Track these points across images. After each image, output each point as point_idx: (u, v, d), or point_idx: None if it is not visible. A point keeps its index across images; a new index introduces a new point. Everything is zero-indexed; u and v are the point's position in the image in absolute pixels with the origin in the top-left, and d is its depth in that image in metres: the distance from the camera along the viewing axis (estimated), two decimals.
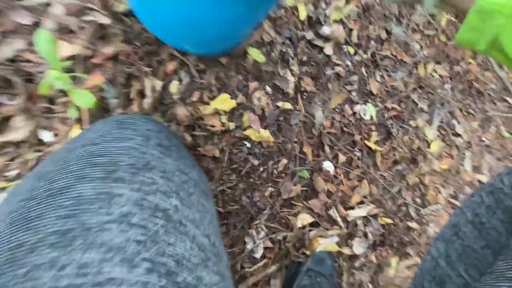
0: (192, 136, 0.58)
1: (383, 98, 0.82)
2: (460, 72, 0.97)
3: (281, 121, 0.67)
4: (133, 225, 0.20)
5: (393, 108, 0.82)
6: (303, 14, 0.72)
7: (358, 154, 0.76)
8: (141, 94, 0.54)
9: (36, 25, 0.47)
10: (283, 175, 0.66)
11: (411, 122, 0.85)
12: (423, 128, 0.86)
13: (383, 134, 0.80)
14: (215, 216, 0.32)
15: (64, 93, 0.47)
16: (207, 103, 0.59)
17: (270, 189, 0.64)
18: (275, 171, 0.65)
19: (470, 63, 1.00)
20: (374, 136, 0.78)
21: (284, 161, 0.66)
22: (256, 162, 0.63)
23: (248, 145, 0.63)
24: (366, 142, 0.77)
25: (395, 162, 0.81)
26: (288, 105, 0.67)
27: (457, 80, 0.97)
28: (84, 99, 0.42)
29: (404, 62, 0.87)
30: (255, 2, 0.48)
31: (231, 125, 0.61)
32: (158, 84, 0.54)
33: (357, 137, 0.76)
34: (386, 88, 0.83)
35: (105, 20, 0.51)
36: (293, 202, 0.67)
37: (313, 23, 0.74)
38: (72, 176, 0.22)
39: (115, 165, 0.23)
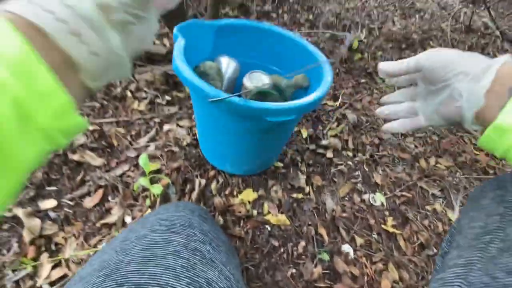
0: (224, 220, 0.65)
1: (390, 188, 0.81)
2: (467, 162, 0.92)
3: (296, 207, 0.71)
4: (181, 257, 0.28)
5: (402, 195, 0.79)
6: (305, 134, 0.87)
7: (376, 237, 0.69)
8: (191, 190, 0.68)
9: (137, 156, 0.71)
10: (303, 256, 0.64)
11: (428, 207, 0.78)
12: (444, 211, 0.77)
13: (399, 219, 0.74)
14: (239, 268, 0.39)
15: (145, 190, 0.64)
16: (236, 196, 0.70)
17: (291, 270, 0.61)
18: (295, 253, 0.64)
19: (476, 154, 0.96)
20: (390, 220, 0.73)
21: (303, 243, 0.65)
22: (276, 243, 0.64)
23: (269, 228, 0.66)
24: (383, 226, 0.72)
25: (423, 246, 0.70)
26: (300, 195, 0.73)
27: (469, 169, 0.91)
28: (156, 189, 0.58)
29: (403, 158, 0.89)
30: (285, 137, 0.67)
31: (254, 212, 0.68)
32: (203, 182, 0.69)
33: (372, 221, 0.72)
34: (390, 179, 0.83)
35: (175, 149, 0.73)
36: (316, 285, 0.60)
37: (314, 139, 0.88)
38: (148, 230, 0.33)
39: (173, 224, 0.34)
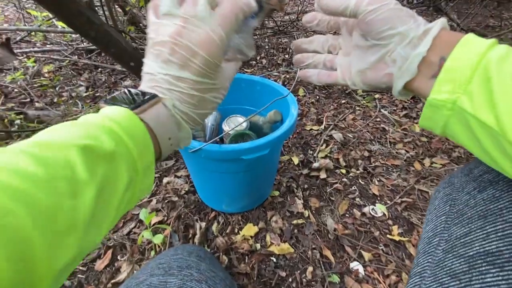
0: (229, 259, 0.67)
1: (389, 196, 0.81)
2: (462, 155, 0.92)
3: (297, 233, 0.71)
4: None
5: (403, 202, 0.79)
6: (296, 161, 0.92)
7: (384, 249, 0.68)
8: (194, 235, 0.71)
9: (139, 212, 0.76)
10: (313, 282, 0.63)
11: None
12: None
13: (404, 226, 0.73)
14: None
15: (150, 242, 0.68)
16: (237, 233, 0.72)
17: None
18: (304, 280, 0.63)
19: None
20: (395, 229, 0.72)
21: (310, 268, 0.65)
22: (283, 274, 0.64)
23: (274, 259, 0.67)
24: (389, 236, 0.71)
25: None
26: (300, 220, 0.74)
27: (465, 162, 0.90)
28: (157, 239, 0.62)
29: (396, 165, 0.91)
30: (272, 169, 0.72)
31: (257, 246, 0.69)
32: (203, 225, 0.72)
33: (377, 233, 0.71)
34: (388, 188, 0.83)
35: (175, 198, 0.78)
36: None
37: (306, 163, 0.92)
38: (147, 275, 0.36)
39: (170, 267, 0.37)
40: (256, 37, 1.84)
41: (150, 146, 0.21)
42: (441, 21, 0.23)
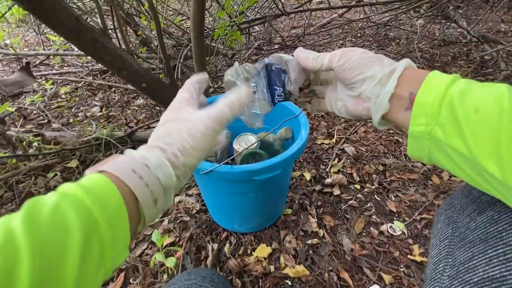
0: (242, 283, 0.65)
1: (407, 213, 0.77)
2: None
3: (312, 254, 0.69)
4: None
5: (423, 218, 0.75)
6: (308, 177, 0.90)
7: (406, 270, 0.64)
8: (206, 257, 0.69)
9: (151, 232, 0.75)
10: None
11: None
12: None
13: (425, 245, 0.69)
14: None
15: (163, 265, 0.67)
16: (250, 254, 0.70)
17: None
18: None
19: None
20: (416, 248, 0.68)
21: None
22: None
23: (289, 282, 0.64)
24: (410, 256, 0.67)
25: None
26: (315, 240, 0.72)
27: None
28: (170, 263, 0.61)
29: (413, 179, 0.87)
30: (283, 188, 0.71)
31: (271, 268, 0.67)
32: (215, 247, 0.70)
33: (396, 253, 0.68)
34: (405, 204, 0.80)
35: (187, 218, 0.78)
36: None
37: (318, 179, 0.90)
38: None
39: None
40: (263, 52, 1.86)
41: (113, 189, 0.20)
42: (405, 61, 0.26)
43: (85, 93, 1.56)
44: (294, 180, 0.89)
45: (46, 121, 1.29)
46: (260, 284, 0.64)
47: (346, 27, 2.35)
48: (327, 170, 0.92)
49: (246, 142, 0.70)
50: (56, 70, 1.90)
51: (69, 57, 2.04)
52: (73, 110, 1.38)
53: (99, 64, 1.82)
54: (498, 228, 0.23)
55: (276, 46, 1.91)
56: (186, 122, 0.25)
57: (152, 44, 1.69)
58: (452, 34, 2.10)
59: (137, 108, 1.38)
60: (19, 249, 0.15)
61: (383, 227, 0.74)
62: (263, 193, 0.63)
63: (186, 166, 0.24)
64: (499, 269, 0.21)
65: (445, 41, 1.91)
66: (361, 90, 0.27)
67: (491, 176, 0.19)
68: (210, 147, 0.25)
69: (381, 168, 0.92)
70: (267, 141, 0.73)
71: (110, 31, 1.04)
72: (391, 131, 1.09)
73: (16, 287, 0.14)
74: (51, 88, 1.58)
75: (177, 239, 0.73)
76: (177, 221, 0.77)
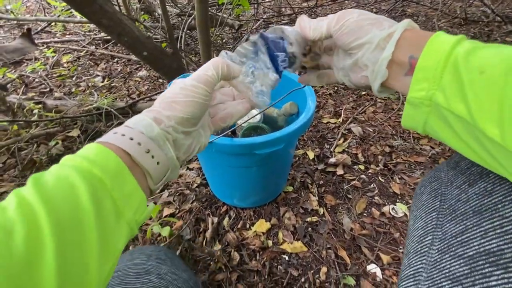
0: (240, 256, 0.65)
1: (411, 196, 0.75)
2: None
3: (311, 231, 0.68)
4: None
5: None
6: (312, 155, 0.87)
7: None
8: (205, 229, 0.69)
9: (154, 203, 0.75)
10: (326, 284, 0.60)
11: None
12: None
13: None
14: None
15: (160, 235, 0.67)
16: (249, 229, 0.70)
17: None
18: (317, 281, 0.60)
19: None
20: None
21: (324, 269, 0.62)
22: (296, 273, 0.62)
23: (286, 257, 0.64)
24: None
25: None
26: (315, 218, 0.71)
27: None
28: (165, 232, 0.61)
29: (420, 162, 0.84)
30: (286, 164, 0.68)
31: (269, 243, 0.67)
32: (215, 220, 0.70)
33: (397, 235, 0.67)
34: (410, 186, 0.78)
35: (187, 191, 0.77)
36: None
37: (322, 158, 0.87)
38: None
39: (126, 275, 0.35)
40: (271, 24, 1.77)
41: (108, 153, 0.20)
42: (404, 22, 0.24)
43: (87, 62, 1.51)
44: (297, 158, 0.87)
45: (48, 89, 1.26)
46: (258, 257, 0.64)
47: (361, 1, 2.21)
48: (331, 149, 0.90)
49: (248, 115, 0.67)
50: (58, 38, 1.84)
51: (71, 24, 1.97)
52: (74, 79, 1.35)
53: (102, 33, 1.75)
54: (493, 200, 0.22)
55: (286, 19, 1.81)
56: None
57: (155, 13, 1.61)
58: (474, 12, 1.95)
59: (139, 80, 1.34)
60: (35, 211, 0.15)
61: (385, 209, 0.72)
62: (264, 168, 0.61)
63: (170, 118, 0.24)
64: (496, 242, 0.20)
65: (466, 19, 1.78)
66: (357, 57, 0.26)
67: (490, 141, 0.18)
68: (195, 103, 0.24)
69: (387, 149, 0.88)
70: (271, 116, 0.70)
71: None
72: (401, 113, 1.05)
73: (42, 248, 0.14)
74: (53, 56, 1.54)
75: (177, 210, 0.73)
76: (177, 194, 0.77)
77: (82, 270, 0.16)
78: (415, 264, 0.25)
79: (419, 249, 0.25)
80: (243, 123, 0.61)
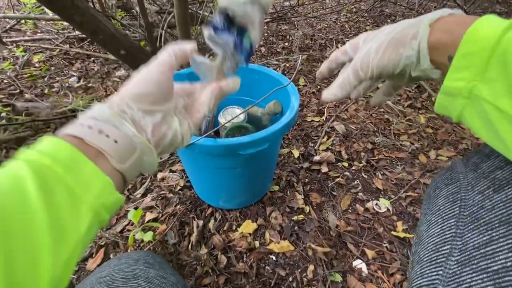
0: (227, 258, 0.64)
1: (393, 191, 0.77)
2: (469, 147, 0.88)
3: (298, 230, 0.68)
4: None
5: (408, 196, 0.75)
6: (296, 154, 0.88)
7: (389, 246, 0.65)
8: (190, 233, 0.67)
9: (136, 208, 0.72)
10: (314, 282, 0.60)
11: None
12: None
13: (409, 222, 0.70)
14: None
15: (143, 241, 0.65)
16: (235, 230, 0.69)
17: None
18: (304, 279, 0.60)
19: (477, 138, 0.92)
20: (400, 225, 0.69)
21: (311, 267, 0.62)
22: (283, 273, 0.61)
23: (273, 257, 0.64)
24: (393, 232, 0.67)
25: None
26: (301, 217, 0.71)
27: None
28: (147, 237, 0.59)
29: (401, 158, 0.87)
30: (270, 163, 0.67)
31: (256, 243, 0.66)
32: (200, 223, 0.69)
33: (380, 230, 0.68)
34: (392, 182, 0.80)
35: (170, 195, 0.75)
36: None
37: (307, 156, 0.88)
38: None
39: (113, 280, 0.34)
40: None
41: (60, 141, 0.19)
42: (425, 18, 0.23)
43: (61, 62, 1.44)
44: (282, 157, 0.87)
45: (17, 91, 1.18)
46: (245, 259, 0.63)
47: (341, 1, 2.25)
48: (315, 147, 0.90)
49: (232, 115, 0.66)
50: (29, 36, 1.73)
51: (43, 22, 1.86)
52: (47, 80, 1.28)
53: (76, 31, 1.67)
54: None
55: (268, 18, 1.81)
56: None
57: (133, 10, 1.55)
58: None
59: (118, 80, 1.29)
60: None
61: (369, 204, 0.73)
62: (250, 168, 0.60)
63: (124, 97, 0.23)
64: None
65: None
66: (407, 75, 0.25)
67: None
68: (149, 79, 0.23)
69: (369, 146, 0.90)
70: (255, 116, 0.69)
71: None
72: (382, 110, 1.07)
73: None
74: (23, 56, 1.45)
75: (160, 215, 0.71)
76: (160, 198, 0.74)
77: (31, 258, 0.15)
78: (429, 275, 0.23)
79: (435, 258, 0.24)
80: (226, 123, 0.60)
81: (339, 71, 0.33)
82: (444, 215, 0.25)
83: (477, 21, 0.19)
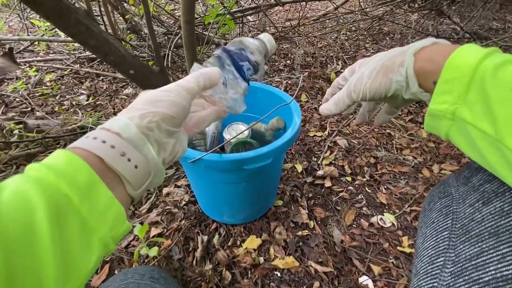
0: (232, 274, 0.63)
1: (397, 205, 0.77)
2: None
3: (302, 246, 0.68)
4: None
5: (413, 211, 0.75)
6: (300, 168, 0.89)
7: (395, 262, 0.64)
8: (194, 248, 0.68)
9: (141, 223, 0.73)
10: None
11: None
12: None
13: (415, 237, 0.69)
14: None
15: (148, 257, 0.65)
16: (240, 246, 0.69)
17: None
18: None
19: None
20: (405, 240, 0.68)
21: (317, 283, 0.61)
22: None
23: (278, 274, 0.64)
24: (399, 248, 0.67)
25: None
26: (306, 232, 0.71)
27: None
28: (152, 252, 0.59)
29: (404, 172, 0.87)
30: (274, 179, 0.69)
31: (261, 259, 0.66)
32: (205, 238, 0.69)
33: (386, 245, 0.67)
34: (396, 196, 0.80)
35: (175, 210, 0.76)
36: None
37: (310, 171, 0.89)
38: None
39: None
40: None
41: (80, 163, 0.18)
42: (413, 46, 0.25)
43: (71, 81, 1.50)
44: (286, 172, 0.88)
45: (29, 109, 1.23)
46: (249, 275, 0.63)
47: (341, 21, 2.33)
48: (318, 162, 0.91)
49: (236, 131, 0.68)
50: (41, 57, 1.82)
51: (55, 44, 1.96)
52: (58, 98, 1.33)
53: (87, 52, 1.75)
54: (511, 222, 0.21)
55: None
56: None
57: (142, 32, 1.63)
58: (445, 30, 2.10)
59: (125, 97, 1.34)
60: None
61: (373, 219, 0.73)
62: (254, 183, 0.61)
63: (155, 114, 0.22)
64: None
65: (438, 36, 1.91)
66: (400, 98, 0.28)
67: None
68: (180, 104, 0.24)
69: (372, 160, 0.91)
70: (259, 131, 0.71)
71: (96, 17, 0.99)
72: (384, 125, 1.09)
73: None
74: (35, 75, 1.52)
75: (165, 230, 0.71)
76: (165, 213, 0.75)
77: None
78: (425, 287, 0.24)
79: (430, 270, 0.24)
80: (231, 139, 0.62)
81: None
82: (438, 227, 0.26)
83: (457, 49, 0.21)
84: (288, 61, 1.68)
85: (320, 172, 0.86)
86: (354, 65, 0.32)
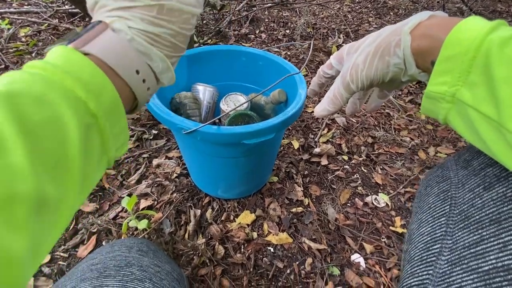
0: (225, 249, 0.62)
1: (392, 186, 0.77)
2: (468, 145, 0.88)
3: (297, 222, 0.67)
4: None
5: (407, 192, 0.75)
6: (296, 145, 0.85)
7: (387, 241, 0.65)
8: (187, 222, 0.65)
9: (130, 195, 0.69)
10: (312, 274, 0.59)
11: None
12: None
13: (408, 217, 0.70)
14: None
15: (137, 229, 0.62)
16: (233, 220, 0.67)
17: None
18: (302, 272, 0.60)
19: None
20: (398, 220, 0.68)
21: (309, 260, 0.61)
22: (281, 265, 0.60)
23: (271, 249, 0.63)
24: (392, 228, 0.67)
25: None
26: (300, 209, 0.69)
27: None
28: (142, 225, 0.56)
29: (401, 153, 0.86)
30: (272, 154, 0.65)
31: (254, 234, 0.64)
32: (198, 212, 0.66)
33: (379, 225, 0.67)
34: (391, 177, 0.79)
35: (166, 182, 0.72)
36: None
37: (306, 148, 0.86)
38: (77, 280, 0.30)
39: (105, 267, 0.32)
40: (254, 8, 1.68)
41: (105, 81, 0.18)
42: (410, 22, 0.22)
43: (49, 37, 1.34)
44: (282, 148, 0.85)
45: (3, 66, 1.10)
46: (242, 250, 0.62)
47: None
48: (316, 139, 0.88)
49: (234, 102, 0.62)
50: (15, 8, 1.61)
51: None
52: (34, 55, 1.19)
53: (67, 5, 1.56)
54: None
55: (269, 4, 1.74)
56: None
57: None
58: (450, 8, 2.01)
59: None
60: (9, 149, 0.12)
61: (368, 199, 0.73)
62: (252, 159, 0.57)
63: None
64: None
65: None
66: (397, 79, 0.25)
67: None
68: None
69: (370, 140, 0.89)
70: (258, 104, 0.65)
71: None
72: (383, 105, 1.05)
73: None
74: (8, 29, 1.35)
75: (155, 202, 0.68)
76: (155, 185, 0.71)
77: (61, 195, 0.15)
78: (420, 274, 0.23)
79: (425, 257, 0.23)
80: (230, 111, 0.56)
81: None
82: (434, 213, 0.25)
83: (460, 22, 0.19)
84: (288, 31, 1.57)
85: (317, 150, 0.83)
86: (340, 51, 0.29)
